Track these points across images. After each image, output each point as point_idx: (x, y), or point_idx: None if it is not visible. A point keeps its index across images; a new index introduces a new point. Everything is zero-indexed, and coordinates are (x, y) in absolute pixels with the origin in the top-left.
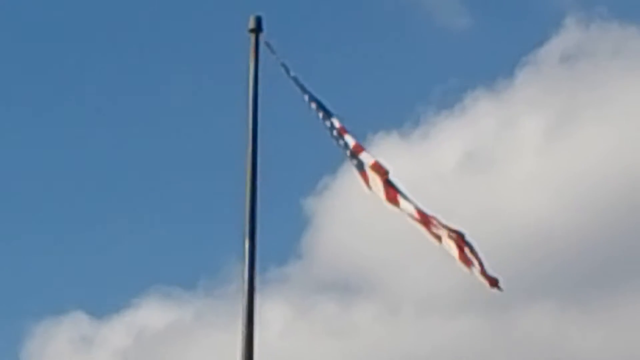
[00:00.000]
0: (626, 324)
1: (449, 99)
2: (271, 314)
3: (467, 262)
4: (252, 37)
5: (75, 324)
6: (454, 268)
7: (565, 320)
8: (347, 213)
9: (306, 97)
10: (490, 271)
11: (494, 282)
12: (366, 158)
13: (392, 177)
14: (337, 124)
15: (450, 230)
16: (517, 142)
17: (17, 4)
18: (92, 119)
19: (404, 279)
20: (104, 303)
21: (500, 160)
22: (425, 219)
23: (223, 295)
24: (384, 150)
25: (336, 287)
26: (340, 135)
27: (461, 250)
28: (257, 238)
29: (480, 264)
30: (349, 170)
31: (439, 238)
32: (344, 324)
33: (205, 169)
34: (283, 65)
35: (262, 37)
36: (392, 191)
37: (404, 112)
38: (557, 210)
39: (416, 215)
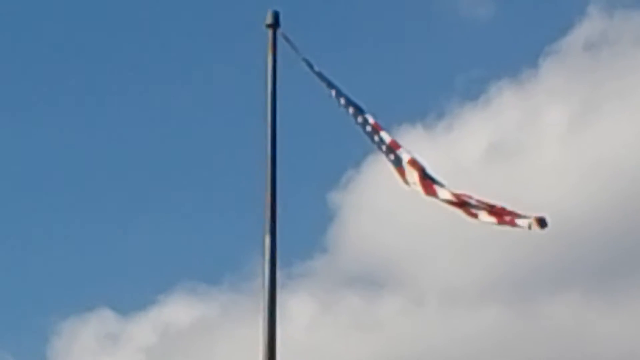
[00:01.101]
0: None
1: (473, 90)
2: (297, 308)
3: (508, 222)
4: (270, 32)
5: (102, 321)
6: (478, 259)
7: (590, 309)
8: (372, 206)
9: (333, 92)
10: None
11: (541, 222)
12: (403, 154)
13: (428, 170)
14: (371, 120)
15: (487, 204)
16: (541, 133)
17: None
18: (116, 116)
19: (429, 271)
20: (130, 300)
21: (525, 150)
22: (461, 200)
23: (248, 290)
24: (409, 142)
25: (361, 280)
26: (376, 131)
27: (500, 216)
28: (277, 234)
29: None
30: (374, 163)
31: (475, 215)
32: (370, 317)
33: (229, 165)
34: (305, 60)
35: (280, 32)
36: (429, 184)
37: (428, 104)
38: (581, 200)
39: (453, 198)
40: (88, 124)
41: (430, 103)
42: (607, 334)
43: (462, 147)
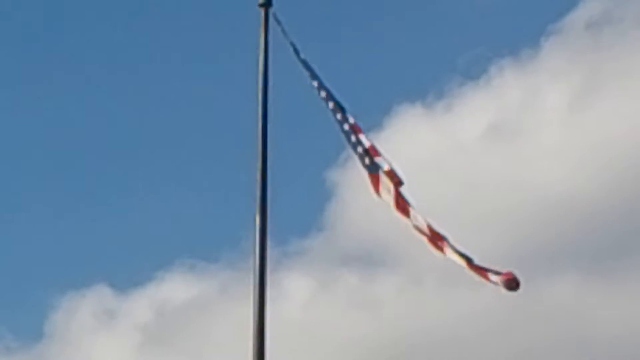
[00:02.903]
0: None
1: (474, 70)
2: (293, 286)
3: (477, 270)
4: (262, 11)
5: (99, 297)
6: (477, 240)
7: (589, 291)
8: None
9: (315, 84)
10: (503, 272)
11: (511, 279)
12: (383, 163)
13: (404, 189)
14: (351, 119)
15: (459, 253)
16: (541, 113)
17: None
18: (111, 93)
19: (427, 250)
20: (128, 276)
21: (525, 131)
22: (434, 236)
23: (246, 268)
24: (408, 121)
25: (359, 259)
26: (354, 132)
27: (470, 264)
28: (268, 213)
29: (492, 272)
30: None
31: (442, 250)
32: (367, 296)
33: (228, 141)
34: (293, 45)
35: (272, 11)
36: (402, 202)
37: (428, 83)
38: (581, 181)
39: (426, 230)
40: (85, 102)
41: (431, 82)
42: (607, 315)
43: (462, 126)
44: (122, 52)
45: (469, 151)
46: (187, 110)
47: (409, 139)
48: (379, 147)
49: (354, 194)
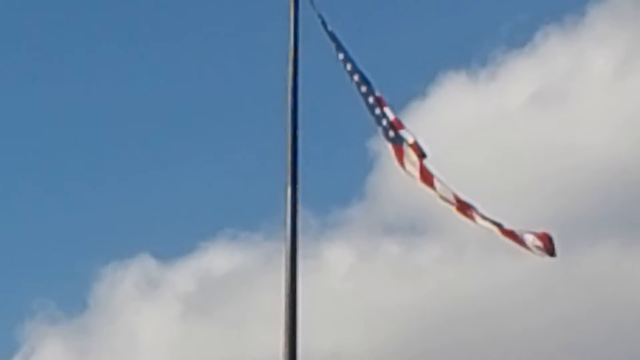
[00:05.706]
0: None
1: (518, 37)
2: (335, 256)
3: (510, 235)
4: None
5: (143, 267)
6: (518, 208)
7: (628, 257)
8: None
9: (341, 56)
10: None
11: (547, 244)
12: (407, 135)
13: (428, 162)
14: (376, 92)
15: (489, 220)
16: (586, 79)
17: None
18: (151, 67)
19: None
20: (172, 246)
21: (569, 97)
22: (463, 206)
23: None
24: (452, 89)
25: (400, 228)
26: (379, 105)
27: (502, 230)
28: (299, 185)
29: (525, 232)
30: (414, 110)
31: (472, 218)
32: (409, 265)
33: (266, 112)
34: (320, 17)
35: None
36: (427, 173)
37: (472, 51)
38: (625, 147)
39: (453, 199)
40: (128, 76)
41: (475, 50)
42: None
43: (506, 94)
44: (157, 26)
45: (513, 119)
46: (225, 83)
47: (453, 106)
48: (403, 120)
49: (396, 163)
